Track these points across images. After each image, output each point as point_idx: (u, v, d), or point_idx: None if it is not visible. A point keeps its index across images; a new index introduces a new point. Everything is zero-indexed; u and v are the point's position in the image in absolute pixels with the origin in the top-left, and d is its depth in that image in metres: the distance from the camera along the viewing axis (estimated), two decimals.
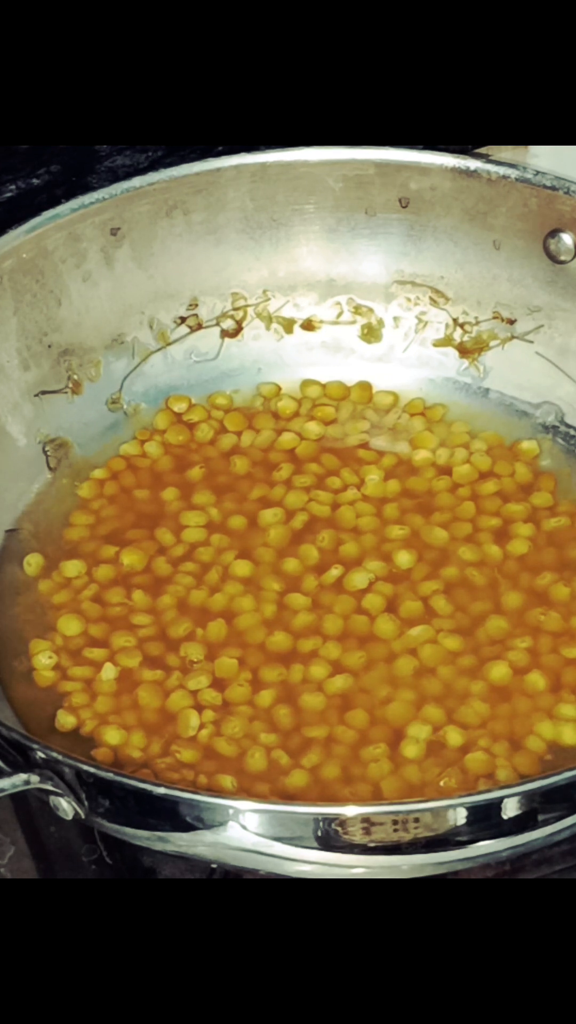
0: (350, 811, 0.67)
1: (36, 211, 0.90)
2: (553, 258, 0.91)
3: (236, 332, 0.95)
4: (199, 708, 0.79)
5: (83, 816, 0.70)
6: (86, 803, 0.70)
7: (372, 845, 0.68)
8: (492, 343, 0.94)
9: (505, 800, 0.68)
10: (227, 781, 0.76)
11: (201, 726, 0.78)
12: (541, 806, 0.68)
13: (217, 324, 0.95)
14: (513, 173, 0.90)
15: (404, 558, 0.85)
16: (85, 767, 0.69)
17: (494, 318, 0.94)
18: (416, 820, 0.67)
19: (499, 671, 0.80)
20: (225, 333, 0.95)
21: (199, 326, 0.95)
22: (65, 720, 0.79)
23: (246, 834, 0.68)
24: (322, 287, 0.95)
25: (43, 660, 0.81)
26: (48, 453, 0.90)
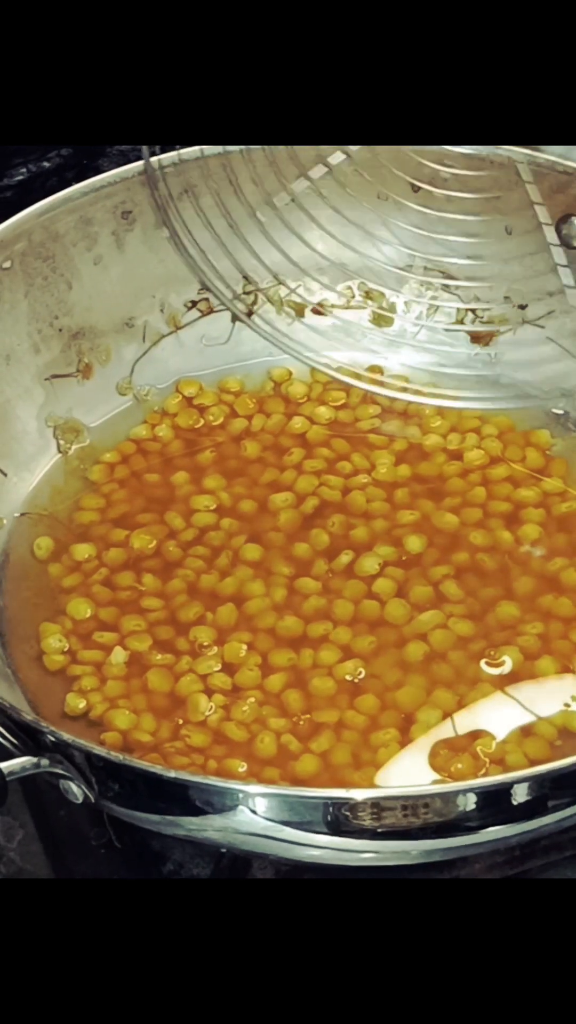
0: (360, 795, 0.67)
1: (47, 194, 0.89)
2: (566, 243, 0.90)
3: (247, 316, 0.95)
4: (209, 692, 0.79)
5: (93, 800, 0.70)
6: (96, 787, 0.70)
7: (382, 830, 0.68)
8: (503, 328, 0.94)
9: (515, 786, 0.68)
10: (237, 765, 0.76)
11: (211, 710, 0.78)
12: (551, 792, 0.68)
13: (228, 308, 0.95)
14: (526, 158, 0.90)
15: (415, 543, 0.85)
16: (95, 751, 0.69)
17: (506, 303, 0.94)
18: (426, 805, 0.67)
19: (510, 656, 0.80)
20: (236, 317, 0.95)
21: (210, 310, 0.95)
22: (75, 704, 0.79)
23: (256, 818, 0.68)
24: (333, 271, 0.95)
25: (53, 644, 0.81)
26: (58, 437, 0.90)
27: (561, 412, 0.92)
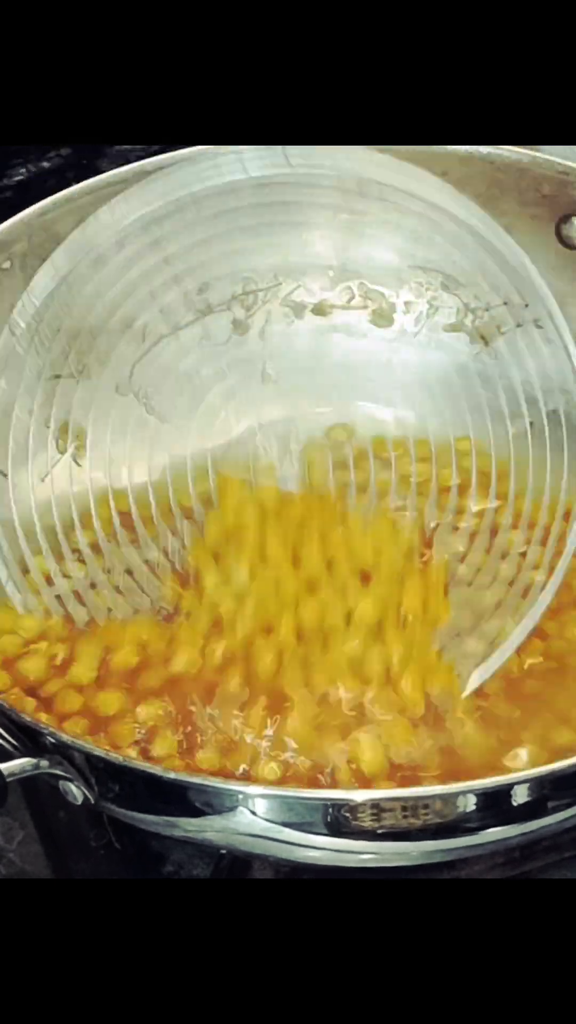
0: (359, 796, 0.67)
1: (47, 194, 0.89)
2: (565, 244, 0.90)
3: (246, 316, 0.95)
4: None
5: (92, 801, 0.70)
6: (95, 788, 0.70)
7: (381, 831, 0.68)
8: (503, 328, 0.94)
9: (515, 787, 0.68)
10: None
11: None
12: (551, 793, 0.68)
13: (227, 308, 0.95)
14: (525, 158, 0.90)
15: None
16: (95, 752, 0.69)
17: (505, 303, 0.93)
18: (425, 806, 0.67)
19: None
20: (235, 317, 0.95)
21: (209, 310, 0.95)
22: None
23: (255, 819, 0.68)
24: (333, 272, 0.95)
25: None
26: (58, 437, 0.90)
27: (559, 412, 0.91)
